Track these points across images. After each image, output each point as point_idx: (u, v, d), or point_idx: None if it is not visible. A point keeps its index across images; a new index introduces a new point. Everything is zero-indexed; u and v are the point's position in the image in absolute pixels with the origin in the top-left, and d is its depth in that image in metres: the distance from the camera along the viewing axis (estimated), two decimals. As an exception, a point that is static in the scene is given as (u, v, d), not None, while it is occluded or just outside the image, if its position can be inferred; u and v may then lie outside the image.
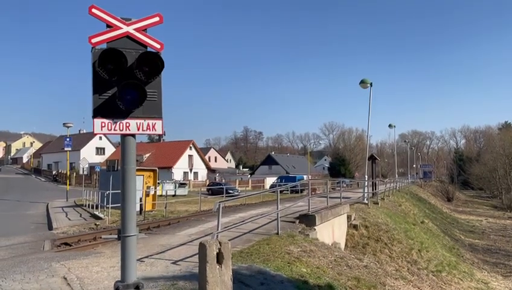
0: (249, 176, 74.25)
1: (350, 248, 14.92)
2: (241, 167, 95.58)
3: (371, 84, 21.57)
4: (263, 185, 57.88)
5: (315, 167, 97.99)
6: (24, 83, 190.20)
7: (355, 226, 16.29)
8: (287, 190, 34.23)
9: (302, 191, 37.37)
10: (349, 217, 16.47)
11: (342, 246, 14.15)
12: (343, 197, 17.61)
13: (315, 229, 11.90)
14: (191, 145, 64.57)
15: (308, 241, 10.26)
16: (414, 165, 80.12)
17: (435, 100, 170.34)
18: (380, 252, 14.79)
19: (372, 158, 27.12)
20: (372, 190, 24.57)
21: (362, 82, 21.51)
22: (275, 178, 54.65)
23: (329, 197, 15.66)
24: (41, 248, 11.21)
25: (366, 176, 23.44)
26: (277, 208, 11.09)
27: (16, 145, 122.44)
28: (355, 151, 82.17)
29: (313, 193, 22.33)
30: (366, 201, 21.01)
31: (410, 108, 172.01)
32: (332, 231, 13.92)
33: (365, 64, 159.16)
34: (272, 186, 46.92)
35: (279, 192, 11.77)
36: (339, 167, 76.15)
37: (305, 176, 56.38)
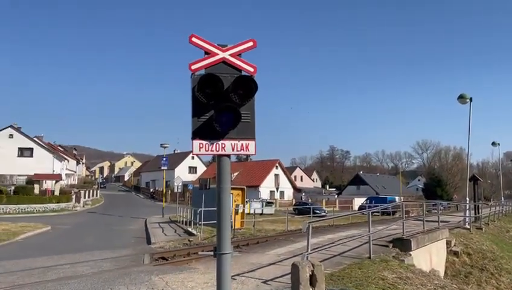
0: (336, 196, 72.57)
1: (450, 276, 13.75)
2: (327, 187, 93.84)
3: (471, 99, 20.03)
4: (351, 206, 56.17)
5: (407, 188, 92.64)
6: (124, 109, 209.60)
7: (455, 253, 15.00)
8: (378, 212, 32.78)
9: (394, 213, 35.72)
10: (448, 243, 15.21)
11: (441, 274, 13.08)
12: (441, 221, 16.36)
13: (410, 255, 11.18)
14: (277, 165, 65.13)
15: (403, 267, 9.66)
16: (523, 187, 71.88)
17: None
18: (486, 282, 13.42)
19: (473, 179, 24.91)
20: (475, 213, 22.51)
21: (461, 97, 20.07)
22: (364, 199, 52.75)
23: (426, 221, 14.67)
24: (141, 261, 11.99)
25: (468, 199, 21.57)
26: (369, 231, 10.64)
27: (118, 165, 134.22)
28: (453, 171, 76.23)
29: (407, 215, 21.09)
30: (467, 226, 19.30)
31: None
32: (429, 257, 12.95)
33: (463, 80, 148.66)
34: (361, 207, 45.36)
35: (370, 214, 11.32)
36: (435, 188, 70.99)
37: (396, 198, 53.66)
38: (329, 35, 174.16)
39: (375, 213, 32.86)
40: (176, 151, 79.58)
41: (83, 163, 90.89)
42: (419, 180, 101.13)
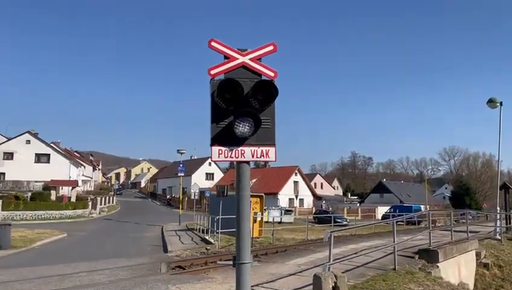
0: (358, 204, 71.85)
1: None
2: (349, 195, 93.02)
3: (501, 103, 19.57)
4: (374, 215, 55.32)
5: (433, 196, 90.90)
6: (141, 114, 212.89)
7: (486, 265, 14.63)
8: (402, 221, 32.28)
9: (419, 223, 35.21)
10: (478, 255, 14.85)
11: (471, 287, 12.79)
12: (470, 231, 15.99)
13: (438, 267, 10.96)
14: (296, 171, 64.83)
15: (430, 279, 9.47)
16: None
17: None
18: (519, 297, 13.01)
19: (504, 187, 24.34)
20: (506, 223, 21.93)
21: (490, 101, 19.63)
22: (387, 207, 52.08)
23: (454, 231, 14.36)
24: (158, 269, 12.08)
25: (498, 208, 21.02)
26: (393, 241, 10.48)
27: (135, 171, 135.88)
28: (482, 179, 74.60)
29: (433, 225, 20.69)
30: (498, 237, 18.80)
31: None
32: (458, 269, 12.67)
33: (493, 85, 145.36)
34: (384, 217, 44.80)
35: (395, 223, 11.15)
36: (463, 197, 69.40)
37: (422, 206, 52.74)
38: (356, 41, 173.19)
39: (399, 222, 32.36)
40: (192, 157, 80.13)
41: (99, 169, 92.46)
42: (446, 188, 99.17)
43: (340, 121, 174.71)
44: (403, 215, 30.42)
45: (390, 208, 49.45)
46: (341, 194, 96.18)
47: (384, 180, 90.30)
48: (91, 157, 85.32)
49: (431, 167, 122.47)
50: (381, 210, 55.04)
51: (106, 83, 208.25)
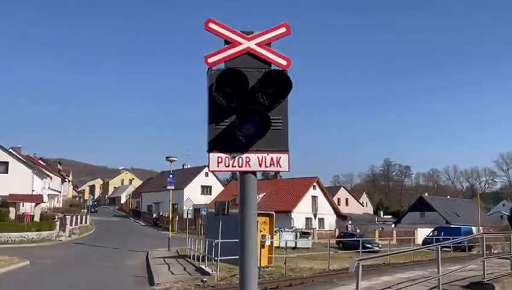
0: (393, 225, 71.67)
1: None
2: (381, 213, 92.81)
3: None
4: (413, 239, 55.01)
5: (488, 215, 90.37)
6: (123, 115, 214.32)
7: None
8: (449, 247, 32.11)
9: (470, 248, 35.00)
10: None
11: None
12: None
13: (494, 305, 10.88)
14: (315, 184, 64.72)
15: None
16: None
17: None
18: None
19: None
20: None
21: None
22: (430, 229, 51.90)
23: (514, 259, 14.24)
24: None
25: None
26: (438, 272, 10.42)
27: (113, 183, 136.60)
28: (550, 194, 74.00)
29: (488, 251, 20.56)
30: None
31: None
32: (520, 308, 12.55)
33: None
34: (426, 241, 44.63)
35: (439, 249, 11.09)
36: (525, 216, 69.06)
37: (473, 228, 52.33)
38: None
39: (445, 248, 32.13)
40: (185, 166, 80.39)
41: (69, 181, 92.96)
42: (504, 205, 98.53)
43: (369, 122, 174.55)
44: (449, 239, 30.28)
45: (433, 230, 49.33)
46: (371, 212, 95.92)
47: (426, 195, 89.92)
48: (59, 166, 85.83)
49: (485, 179, 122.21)
50: (422, 233, 54.85)
51: (78, 81, 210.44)
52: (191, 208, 37.45)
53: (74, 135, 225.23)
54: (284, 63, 4.28)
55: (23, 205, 46.87)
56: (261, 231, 23.81)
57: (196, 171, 75.65)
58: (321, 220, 63.69)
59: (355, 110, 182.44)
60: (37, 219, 42.99)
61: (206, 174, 74.10)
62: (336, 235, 49.55)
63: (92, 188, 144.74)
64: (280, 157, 4.23)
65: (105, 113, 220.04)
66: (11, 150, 53.91)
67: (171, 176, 35.89)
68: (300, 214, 60.33)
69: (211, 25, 4.18)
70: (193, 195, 62.51)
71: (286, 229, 42.18)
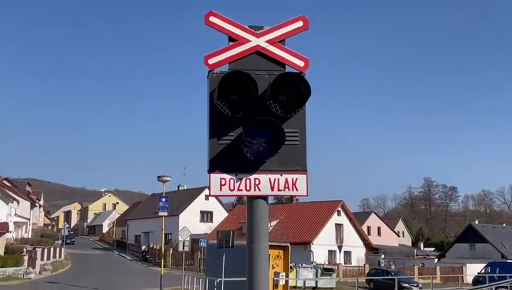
0: (436, 259, 71.04)
1: None
2: (421, 245, 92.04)
3: None
4: (461, 277, 54.69)
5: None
6: (106, 130, 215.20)
7: None
8: (505, 287, 31.84)
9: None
10: None
11: None
12: None
13: None
14: (340, 209, 64.38)
15: None
16: None
17: None
18: None
19: None
20: None
21: None
22: (482, 265, 51.29)
23: None
24: None
25: None
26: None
27: (94, 208, 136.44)
28: None
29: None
30: None
31: None
32: None
33: None
34: (477, 280, 44.23)
35: (493, 290, 11.00)
36: None
37: (536, 263, 51.79)
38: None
39: (501, 289, 31.65)
40: (181, 188, 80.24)
41: (40, 205, 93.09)
42: None
43: (405, 135, 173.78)
44: (506, 277, 29.97)
45: (485, 266, 48.66)
46: (409, 243, 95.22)
47: (476, 222, 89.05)
48: (28, 188, 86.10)
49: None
50: (472, 269, 54.43)
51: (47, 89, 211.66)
52: (187, 238, 37.23)
53: (47, 150, 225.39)
54: (301, 64, 4.28)
55: (-16, 236, 47.01)
56: (273, 268, 23.74)
57: (194, 193, 75.49)
58: (347, 254, 63.26)
59: (389, 117, 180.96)
60: (1, 252, 43.06)
61: (207, 198, 73.70)
62: (366, 273, 49.18)
63: (68, 214, 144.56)
64: (297, 179, 4.23)
65: (84, 127, 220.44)
66: (-30, 168, 54.28)
67: (163, 199, 35.79)
68: (321, 246, 59.96)
69: (212, 18, 4.19)
70: (191, 223, 62.08)
71: (304, 265, 42.01)
